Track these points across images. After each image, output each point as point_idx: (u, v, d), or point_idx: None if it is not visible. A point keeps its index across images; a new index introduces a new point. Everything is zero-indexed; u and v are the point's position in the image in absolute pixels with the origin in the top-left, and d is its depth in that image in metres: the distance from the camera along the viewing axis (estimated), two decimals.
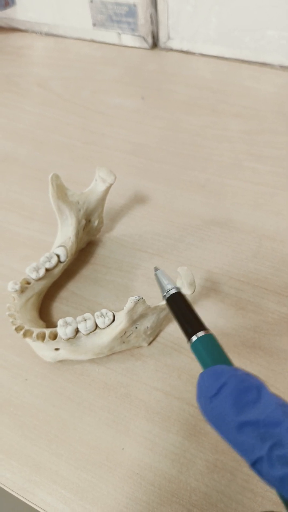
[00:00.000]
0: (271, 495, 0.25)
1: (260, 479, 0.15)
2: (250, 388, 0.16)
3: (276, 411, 0.15)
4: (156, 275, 0.24)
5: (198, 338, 0.20)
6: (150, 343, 0.32)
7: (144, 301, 0.26)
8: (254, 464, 0.15)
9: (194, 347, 0.20)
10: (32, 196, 0.45)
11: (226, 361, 0.19)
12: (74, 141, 0.51)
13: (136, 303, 0.26)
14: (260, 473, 0.15)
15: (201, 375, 0.18)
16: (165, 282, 0.23)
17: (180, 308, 0.22)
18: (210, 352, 0.19)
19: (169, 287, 0.23)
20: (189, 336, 0.20)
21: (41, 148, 0.51)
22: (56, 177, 0.31)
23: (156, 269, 0.24)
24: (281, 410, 0.15)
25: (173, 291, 0.23)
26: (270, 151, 0.46)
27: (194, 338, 0.20)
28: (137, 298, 0.26)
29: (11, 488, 0.27)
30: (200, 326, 0.20)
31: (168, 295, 0.23)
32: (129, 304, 0.26)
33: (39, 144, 0.51)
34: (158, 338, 0.32)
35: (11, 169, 0.48)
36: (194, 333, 0.20)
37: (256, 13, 0.56)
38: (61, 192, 0.32)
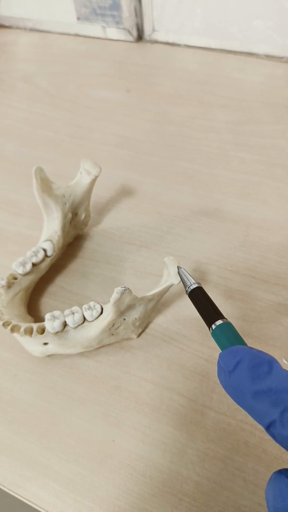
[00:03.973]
0: (263, 483, 0.26)
1: (275, 442, 0.17)
2: (263, 363, 0.18)
3: (286, 380, 0.17)
4: (179, 273, 0.27)
5: (217, 326, 0.22)
6: (139, 335, 0.32)
7: (130, 291, 0.26)
8: (268, 428, 0.17)
9: (214, 334, 0.22)
10: (19, 192, 0.44)
11: (241, 343, 0.21)
12: (61, 135, 0.51)
13: (122, 293, 0.26)
14: (273, 435, 0.17)
15: (221, 354, 0.20)
16: (186, 278, 0.26)
17: (201, 301, 0.24)
18: (227, 337, 0.21)
19: (190, 283, 0.25)
20: (209, 324, 0.23)
21: (28, 144, 0.50)
22: (40, 170, 0.31)
23: (179, 268, 0.27)
24: None
25: (194, 286, 0.25)
26: (256, 140, 0.46)
27: (213, 326, 0.22)
28: (123, 288, 0.26)
29: (2, 483, 0.27)
30: (218, 315, 0.23)
31: (190, 290, 0.25)
32: (115, 294, 0.26)
33: (26, 140, 0.51)
34: (147, 330, 0.32)
35: None
36: (213, 322, 0.22)
37: (242, 3, 0.55)
38: (46, 185, 0.32)
